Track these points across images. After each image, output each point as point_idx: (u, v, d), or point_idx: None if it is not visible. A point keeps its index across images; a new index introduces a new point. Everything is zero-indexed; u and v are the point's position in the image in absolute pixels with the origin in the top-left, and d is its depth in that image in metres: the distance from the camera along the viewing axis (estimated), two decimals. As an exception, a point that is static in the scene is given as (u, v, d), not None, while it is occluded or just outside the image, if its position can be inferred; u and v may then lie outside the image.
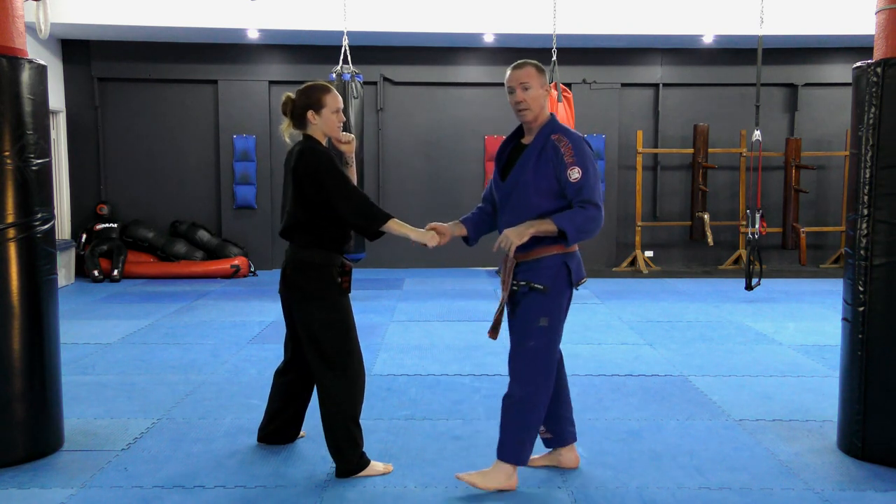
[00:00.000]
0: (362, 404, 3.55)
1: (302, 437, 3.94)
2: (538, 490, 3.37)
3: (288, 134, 3.63)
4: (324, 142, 3.59)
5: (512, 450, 3.32)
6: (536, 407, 3.30)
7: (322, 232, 3.47)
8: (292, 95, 3.58)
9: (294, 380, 3.76)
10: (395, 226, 3.44)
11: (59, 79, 9.92)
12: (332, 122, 3.55)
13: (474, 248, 3.77)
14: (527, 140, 3.40)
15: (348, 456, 3.48)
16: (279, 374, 3.83)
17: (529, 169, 3.29)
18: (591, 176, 3.23)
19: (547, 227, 3.20)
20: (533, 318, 3.28)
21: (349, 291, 3.54)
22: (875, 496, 3.32)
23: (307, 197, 3.43)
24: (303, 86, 3.58)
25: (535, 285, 3.27)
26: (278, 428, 3.86)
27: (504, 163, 3.45)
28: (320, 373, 3.50)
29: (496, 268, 3.54)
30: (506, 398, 3.33)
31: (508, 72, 3.35)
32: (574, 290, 3.37)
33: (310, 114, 3.51)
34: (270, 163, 10.22)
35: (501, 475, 3.35)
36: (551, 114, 3.38)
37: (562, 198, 3.25)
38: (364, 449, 3.53)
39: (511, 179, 3.35)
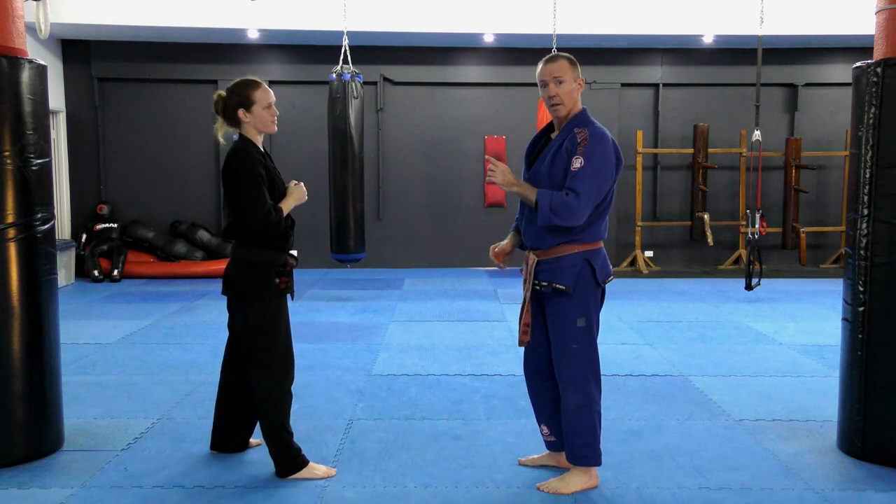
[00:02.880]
0: (290, 407, 3.49)
1: (253, 445, 3.81)
2: (538, 490, 3.37)
3: (222, 133, 3.53)
4: (260, 139, 3.48)
5: (584, 455, 3.31)
6: (594, 407, 3.29)
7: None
8: (223, 94, 3.46)
9: (233, 381, 3.65)
10: (284, 206, 3.42)
11: (59, 79, 9.92)
12: (265, 118, 3.44)
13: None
14: (555, 135, 3.35)
15: (279, 457, 3.46)
16: (221, 376, 3.72)
17: (547, 161, 3.25)
18: (591, 170, 3.13)
19: (528, 193, 3.20)
20: (568, 319, 3.24)
21: (287, 292, 3.46)
22: (875, 496, 3.32)
23: (230, 197, 3.38)
24: (232, 83, 3.47)
25: (558, 286, 3.22)
26: (225, 435, 3.73)
27: (533, 157, 3.42)
28: (251, 373, 3.47)
29: (520, 268, 3.51)
30: (564, 406, 3.29)
31: (540, 65, 3.29)
32: (604, 287, 3.33)
33: (241, 112, 3.41)
34: (273, 162, 10.22)
35: (583, 476, 3.35)
36: (584, 108, 3.32)
37: None
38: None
39: (532, 173, 3.33)
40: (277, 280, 3.40)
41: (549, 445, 3.57)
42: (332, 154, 8.15)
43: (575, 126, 3.25)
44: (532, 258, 3.31)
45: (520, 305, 3.47)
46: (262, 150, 3.47)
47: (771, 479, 3.49)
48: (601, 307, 3.37)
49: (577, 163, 3.15)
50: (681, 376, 5.19)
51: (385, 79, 10.36)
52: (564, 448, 3.38)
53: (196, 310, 7.57)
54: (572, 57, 3.32)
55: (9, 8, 3.58)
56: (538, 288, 3.29)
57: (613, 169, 3.23)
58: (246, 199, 3.31)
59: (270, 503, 3.24)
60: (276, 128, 3.52)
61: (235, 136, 3.49)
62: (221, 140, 3.54)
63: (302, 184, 3.59)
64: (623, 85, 10.51)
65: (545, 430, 3.53)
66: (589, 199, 3.14)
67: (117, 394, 4.77)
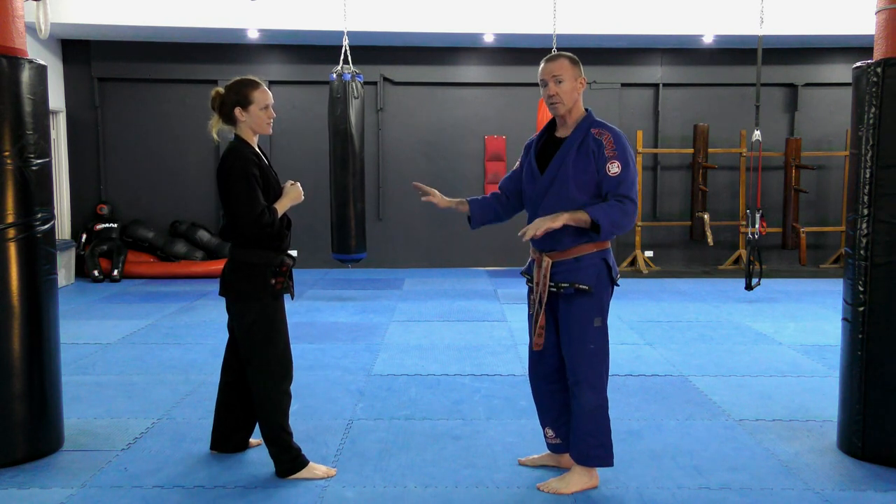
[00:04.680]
0: (289, 408, 3.49)
1: (253, 445, 3.81)
2: (538, 490, 3.37)
3: (216, 130, 3.51)
4: (255, 139, 3.46)
5: (597, 455, 3.30)
6: (607, 407, 3.30)
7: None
8: (221, 90, 3.45)
9: (233, 382, 3.65)
10: (279, 207, 3.40)
11: (59, 79, 9.92)
12: (261, 120, 3.42)
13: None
14: (561, 134, 3.33)
15: (279, 458, 3.46)
16: (221, 376, 3.71)
17: (569, 163, 3.23)
18: (631, 171, 3.19)
19: (581, 216, 3.14)
20: (586, 320, 3.24)
21: (284, 292, 3.44)
22: (875, 496, 3.33)
23: (224, 198, 3.37)
24: (231, 80, 3.46)
25: (581, 286, 3.22)
26: (225, 435, 3.73)
27: (537, 157, 3.39)
28: (249, 373, 3.46)
29: (521, 268, 3.50)
30: (580, 407, 3.28)
31: (542, 64, 3.30)
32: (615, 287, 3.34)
33: (237, 110, 3.40)
34: (269, 162, 10.23)
35: (585, 476, 3.35)
36: (588, 108, 3.33)
37: (600, 194, 3.21)
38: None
39: (549, 173, 3.28)
40: (273, 281, 3.39)
41: (554, 448, 3.56)
42: (333, 154, 8.15)
43: (589, 126, 3.25)
44: (546, 260, 3.27)
45: (527, 308, 3.46)
46: (257, 150, 3.45)
47: (771, 479, 3.49)
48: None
49: (616, 167, 3.17)
50: (681, 376, 5.19)
51: (385, 79, 10.36)
52: (573, 448, 3.37)
53: (196, 310, 7.57)
54: (574, 56, 3.32)
55: (9, 8, 3.58)
56: (555, 290, 3.28)
57: None
58: (239, 200, 3.30)
59: (270, 503, 3.24)
60: (270, 130, 3.51)
61: (231, 136, 3.48)
62: (215, 137, 3.53)
63: (298, 184, 3.58)
64: (623, 85, 10.51)
65: (550, 432, 3.52)
66: (637, 201, 3.21)
67: (117, 394, 4.77)
